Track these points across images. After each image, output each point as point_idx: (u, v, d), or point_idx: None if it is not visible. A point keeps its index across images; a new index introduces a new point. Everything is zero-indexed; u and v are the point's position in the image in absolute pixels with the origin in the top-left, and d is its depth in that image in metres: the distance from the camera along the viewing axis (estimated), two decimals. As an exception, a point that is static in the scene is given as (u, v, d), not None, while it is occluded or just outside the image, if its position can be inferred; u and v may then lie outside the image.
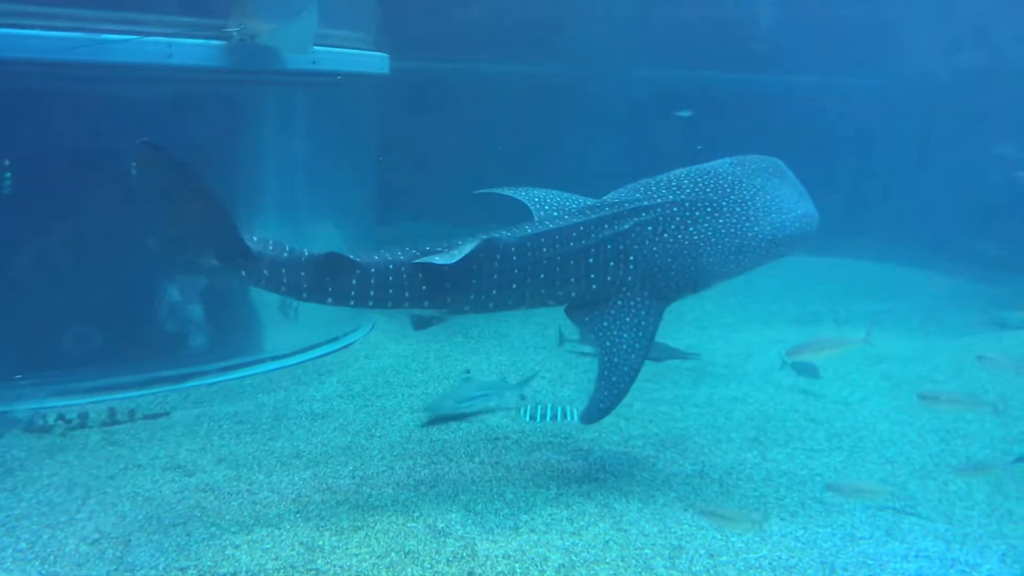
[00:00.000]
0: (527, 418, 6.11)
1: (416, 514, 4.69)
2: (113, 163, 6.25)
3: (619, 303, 4.92)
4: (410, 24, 11.01)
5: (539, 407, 6.19)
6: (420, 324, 5.25)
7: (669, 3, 12.99)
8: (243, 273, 4.47)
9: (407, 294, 4.68)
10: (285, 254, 4.53)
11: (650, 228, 4.95)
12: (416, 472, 5.28)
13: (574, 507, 4.81)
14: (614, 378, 4.78)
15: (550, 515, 4.71)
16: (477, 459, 5.50)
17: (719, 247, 4.92)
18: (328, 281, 4.57)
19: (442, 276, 4.68)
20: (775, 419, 6.32)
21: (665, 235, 4.95)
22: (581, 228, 4.90)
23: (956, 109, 12.21)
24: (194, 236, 4.39)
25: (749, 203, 5.05)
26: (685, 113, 11.22)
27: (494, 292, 4.81)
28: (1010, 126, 11.87)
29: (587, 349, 7.52)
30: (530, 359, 7.71)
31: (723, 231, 4.95)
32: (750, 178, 5.17)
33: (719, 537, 4.48)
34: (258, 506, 4.78)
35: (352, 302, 4.63)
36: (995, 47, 11.87)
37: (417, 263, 4.64)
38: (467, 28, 12.48)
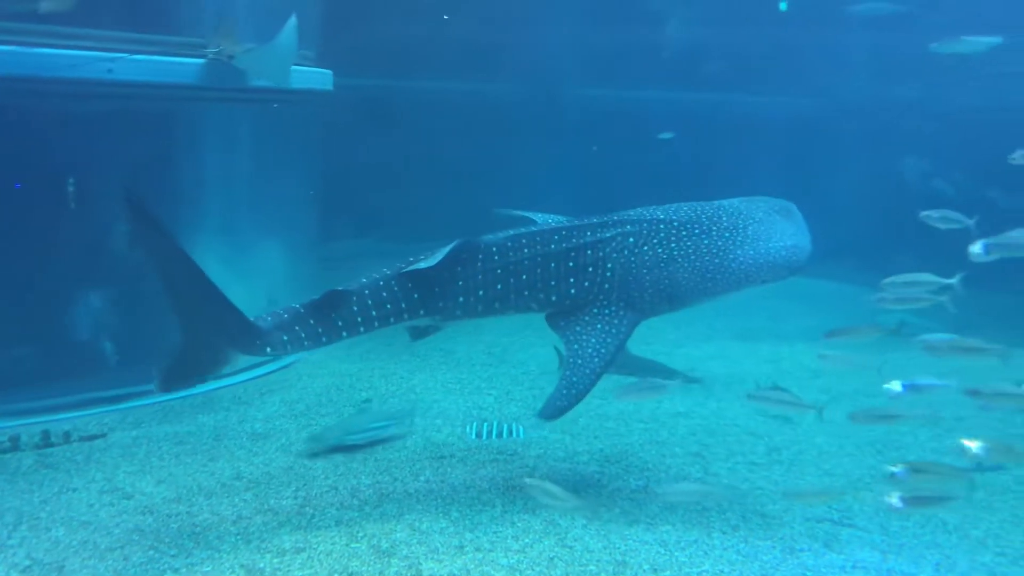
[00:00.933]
0: (473, 436, 6.10)
1: (360, 534, 4.65)
2: (53, 179, 6.14)
3: (594, 310, 5.02)
4: (357, 41, 11.01)
5: (485, 424, 6.19)
6: (416, 335, 5.38)
7: (610, 26, 13.20)
8: (268, 350, 4.64)
9: (403, 305, 4.86)
10: (285, 315, 4.70)
11: (631, 239, 5.05)
12: (360, 492, 5.23)
13: (519, 524, 4.81)
14: (575, 379, 4.83)
15: (495, 533, 4.70)
16: (422, 478, 5.48)
17: (697, 265, 4.96)
18: (335, 317, 4.73)
19: (431, 282, 4.86)
20: (717, 434, 6.41)
21: (645, 247, 5.03)
22: (563, 232, 5.03)
23: (876, 129, 12.56)
24: (205, 345, 4.52)
25: (738, 230, 5.07)
26: (667, 135, 11.42)
27: (480, 293, 4.94)
28: (926, 143, 12.21)
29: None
30: (476, 376, 7.71)
31: (703, 250, 4.98)
32: (749, 210, 5.21)
33: (663, 552, 4.53)
34: (198, 528, 4.70)
35: (361, 328, 4.79)
36: (915, 73, 12.29)
37: (404, 273, 4.82)
38: (412, 46, 12.51)
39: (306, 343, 4.70)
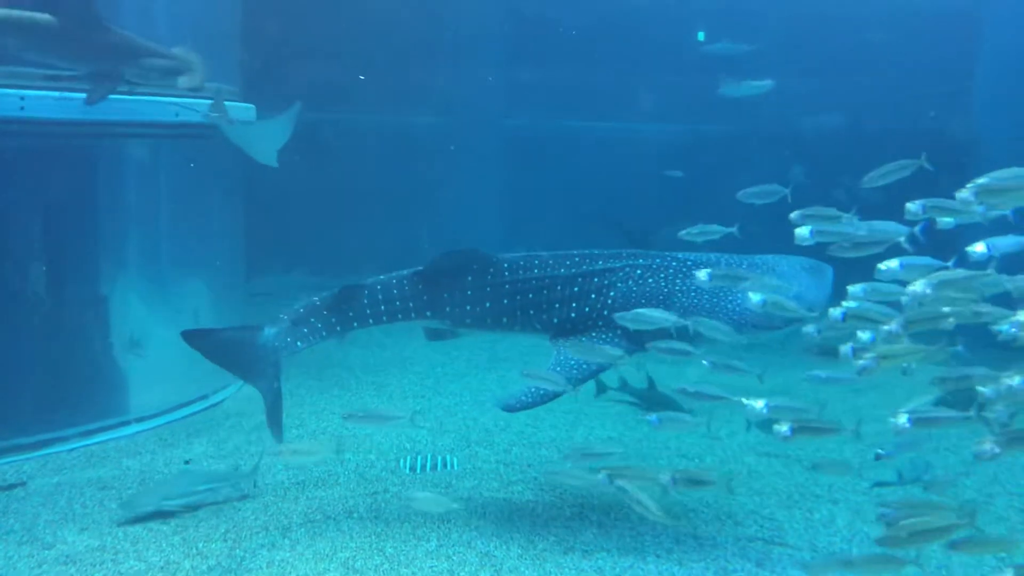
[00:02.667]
0: (407, 469, 6.08)
1: (292, 575, 4.56)
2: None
3: (592, 334, 5.17)
4: (281, 74, 10.94)
5: (419, 457, 6.18)
6: (432, 336, 5.63)
7: (536, 61, 13.46)
8: (300, 344, 5.29)
9: (411, 304, 5.27)
10: (301, 309, 5.31)
11: (639, 272, 5.19)
12: (292, 532, 5.14)
13: (455, 558, 4.78)
14: (547, 384, 4.90)
15: (431, 568, 4.66)
16: (355, 514, 5.40)
17: (696, 302, 5.01)
18: (346, 308, 5.26)
19: (440, 287, 5.25)
20: (649, 457, 6.47)
21: (650, 280, 5.15)
22: (576, 258, 5.23)
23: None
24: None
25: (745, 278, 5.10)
26: (676, 174, 11.61)
27: (488, 306, 5.20)
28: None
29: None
30: (409, 408, 7.63)
31: (704, 289, 5.00)
32: (771, 264, 5.20)
33: (599, 578, 4.55)
34: (123, 577, 4.56)
35: (371, 320, 5.29)
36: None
37: (415, 273, 5.27)
38: (338, 79, 12.52)
39: (324, 334, 5.28)
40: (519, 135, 13.81)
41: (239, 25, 8.40)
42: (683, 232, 5.06)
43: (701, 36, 13.30)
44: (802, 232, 4.37)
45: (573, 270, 5.21)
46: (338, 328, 5.30)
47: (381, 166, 12.47)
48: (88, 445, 6.57)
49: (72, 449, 6.48)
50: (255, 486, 5.75)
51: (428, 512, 5.18)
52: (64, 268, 6.57)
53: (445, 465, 6.03)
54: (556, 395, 4.91)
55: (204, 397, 7.61)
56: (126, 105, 6.62)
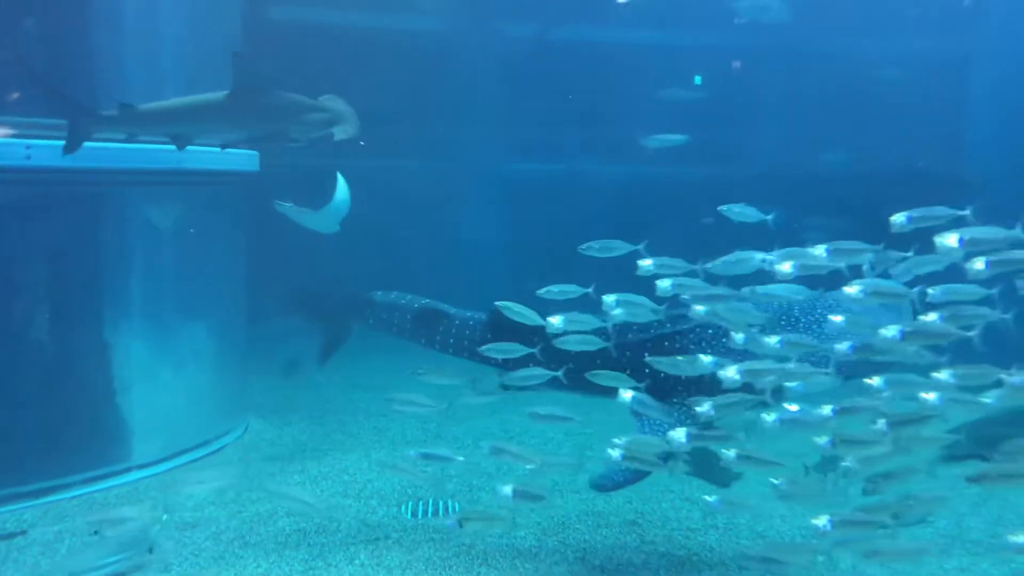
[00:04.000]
0: (409, 515, 6.05)
1: (294, 624, 4.53)
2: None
3: (674, 399, 5.20)
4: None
5: (420, 503, 6.15)
6: (506, 386, 5.61)
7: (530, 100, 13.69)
8: (371, 322, 6.07)
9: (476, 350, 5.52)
10: (394, 296, 6.04)
11: (710, 331, 5.22)
12: (294, 579, 5.11)
13: (457, 605, 4.75)
14: (636, 464, 4.79)
15: (433, 615, 4.63)
16: (357, 561, 5.37)
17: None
18: (424, 325, 5.74)
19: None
20: (651, 500, 6.44)
21: (724, 339, 5.12)
22: (644, 325, 5.20)
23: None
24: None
25: (820, 323, 5.08)
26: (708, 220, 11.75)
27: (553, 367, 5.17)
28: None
29: None
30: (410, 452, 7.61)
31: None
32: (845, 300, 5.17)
33: (602, 625, 4.51)
34: (124, 627, 4.52)
35: (438, 347, 5.73)
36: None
37: (489, 322, 5.60)
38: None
39: (394, 330, 5.88)
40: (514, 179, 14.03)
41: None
42: (583, 247, 5.00)
43: (698, 80, 13.51)
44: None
45: (642, 335, 5.20)
46: (406, 336, 5.87)
47: (383, 210, 12.58)
48: (90, 492, 6.55)
49: (74, 496, 6.46)
50: (151, 551, 5.04)
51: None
52: (68, 315, 6.60)
53: (447, 511, 6.00)
54: (646, 474, 4.79)
55: (206, 443, 7.60)
56: (129, 153, 6.69)
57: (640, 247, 4.82)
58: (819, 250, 4.33)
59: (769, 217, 4.83)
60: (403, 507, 6.19)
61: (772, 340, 4.45)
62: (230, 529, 5.92)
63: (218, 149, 7.16)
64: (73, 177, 6.48)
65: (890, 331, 4.10)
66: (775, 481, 4.18)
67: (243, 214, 8.36)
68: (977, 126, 10.62)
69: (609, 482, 4.91)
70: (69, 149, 6.18)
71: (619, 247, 4.87)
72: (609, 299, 4.76)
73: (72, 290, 6.68)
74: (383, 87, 11.90)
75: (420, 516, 6.05)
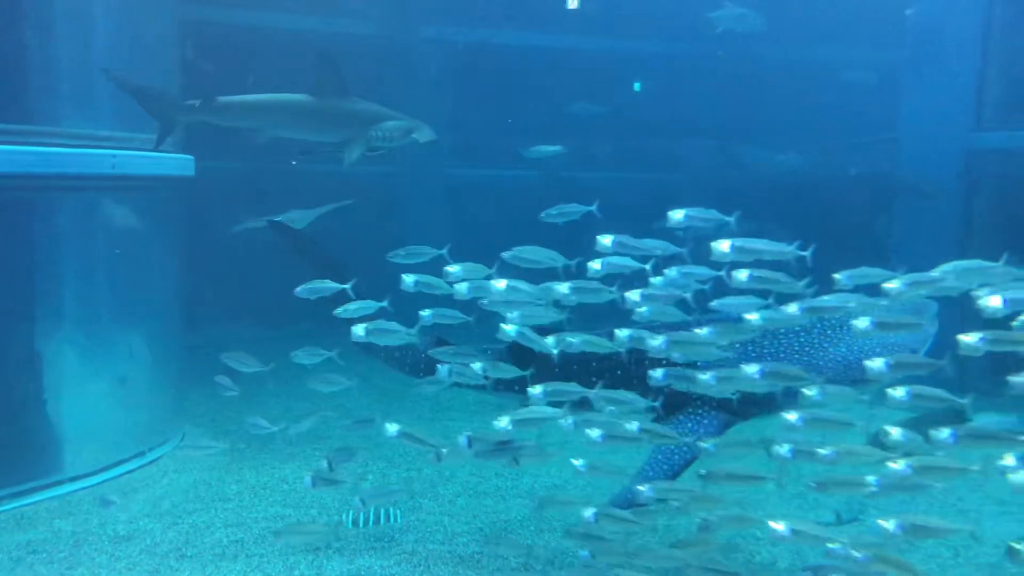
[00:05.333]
0: (350, 524, 5.98)
1: (231, 637, 4.46)
2: None
3: (688, 410, 5.18)
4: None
5: (362, 512, 6.08)
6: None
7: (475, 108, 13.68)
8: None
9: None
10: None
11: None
12: (231, 591, 5.03)
13: (398, 614, 4.72)
14: (651, 472, 4.90)
15: (373, 625, 4.59)
16: (296, 572, 5.31)
17: (808, 359, 4.98)
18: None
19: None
20: (595, 504, 6.46)
21: (748, 347, 5.13)
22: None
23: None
24: None
25: (839, 328, 5.09)
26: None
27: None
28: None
29: None
30: (352, 462, 7.54)
31: (795, 350, 5.02)
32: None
33: (543, 631, 4.52)
34: (53, 646, 4.40)
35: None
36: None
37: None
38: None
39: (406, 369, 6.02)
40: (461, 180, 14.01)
41: (178, 74, 8.35)
42: (390, 255, 5.18)
43: (637, 86, 13.66)
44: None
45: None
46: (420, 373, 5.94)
47: (330, 215, 12.47)
48: (19, 507, 6.36)
49: (2, 511, 6.27)
50: None
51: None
52: (-2, 325, 6.43)
53: (388, 519, 5.95)
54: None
55: (141, 454, 7.44)
56: (61, 157, 6.53)
57: (444, 251, 5.05)
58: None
59: (585, 208, 5.08)
60: (344, 515, 6.12)
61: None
62: (166, 541, 5.80)
63: (153, 154, 7.06)
64: (3, 182, 6.30)
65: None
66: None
67: (181, 219, 8.22)
68: (912, 132, 10.90)
69: (623, 501, 4.88)
70: (160, 141, 6.32)
71: (426, 252, 5.12)
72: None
73: (2, 300, 6.49)
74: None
75: (362, 525, 5.99)
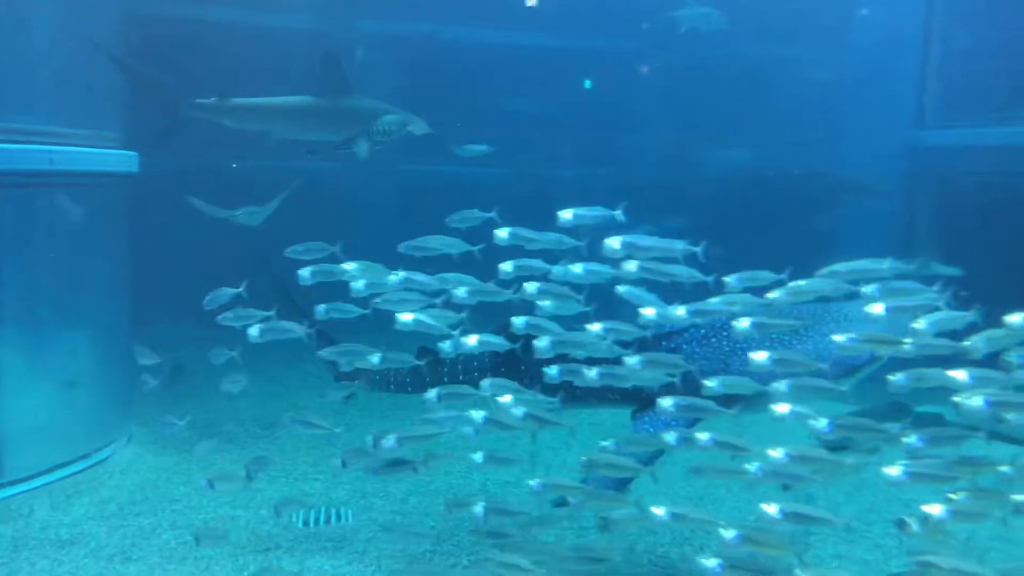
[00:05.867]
0: (300, 524, 5.93)
1: (179, 641, 4.40)
2: None
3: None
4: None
5: (312, 511, 6.03)
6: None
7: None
8: None
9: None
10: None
11: (703, 331, 5.21)
12: (179, 594, 4.96)
13: (349, 614, 4.70)
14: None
15: (324, 625, 4.57)
16: (246, 573, 5.26)
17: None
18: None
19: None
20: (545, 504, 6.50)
21: (713, 339, 5.18)
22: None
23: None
24: None
25: (817, 326, 5.08)
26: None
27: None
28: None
29: None
30: (301, 460, 7.50)
31: (766, 344, 4.95)
32: (841, 311, 5.16)
33: (495, 628, 4.52)
34: (-6, 654, 4.30)
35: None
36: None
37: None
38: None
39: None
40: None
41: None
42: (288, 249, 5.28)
43: (588, 84, 13.72)
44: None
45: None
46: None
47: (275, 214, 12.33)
48: (-43, 512, 6.21)
49: (-62, 517, 6.11)
50: None
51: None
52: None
53: (340, 518, 5.90)
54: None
55: (86, 456, 7.29)
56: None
57: (336, 249, 5.13)
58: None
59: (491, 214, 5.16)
60: (294, 515, 6.06)
61: None
62: (111, 544, 5.70)
63: (94, 150, 6.92)
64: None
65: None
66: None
67: (124, 216, 8.06)
68: (856, 130, 11.12)
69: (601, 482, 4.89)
70: (167, 134, 6.26)
71: (321, 249, 5.18)
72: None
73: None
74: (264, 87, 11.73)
75: (312, 524, 5.94)
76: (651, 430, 5.06)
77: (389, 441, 4.78)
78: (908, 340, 4.19)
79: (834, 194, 11.16)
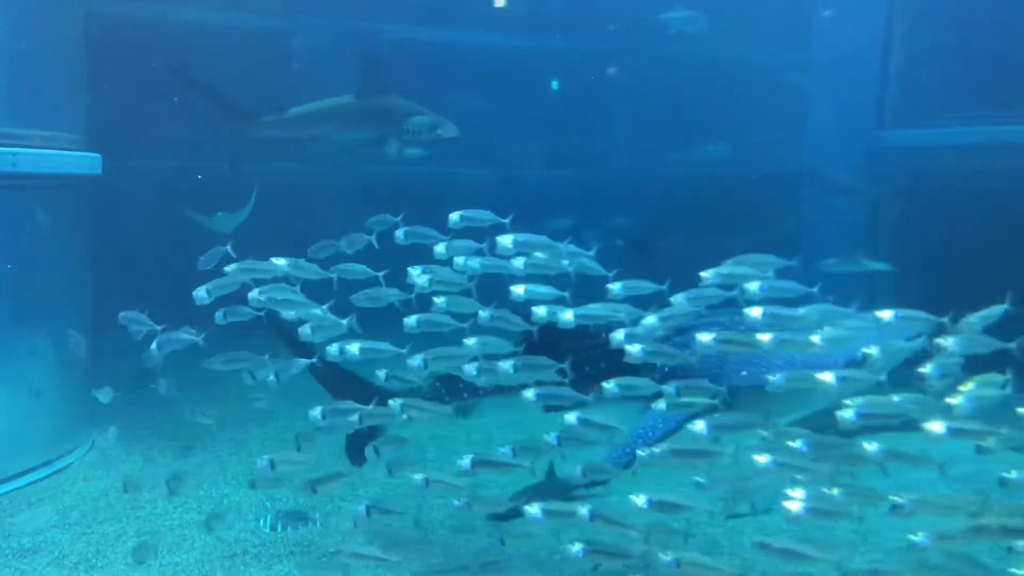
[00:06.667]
0: (268, 529, 5.90)
1: (145, 650, 4.35)
2: None
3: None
4: (134, 123, 10.57)
5: (279, 516, 6.01)
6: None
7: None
8: None
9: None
10: None
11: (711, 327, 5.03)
12: (144, 602, 4.90)
13: (318, 619, 4.67)
14: (613, 455, 4.95)
15: (293, 631, 4.54)
16: (213, 579, 5.21)
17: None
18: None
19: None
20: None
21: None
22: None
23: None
24: None
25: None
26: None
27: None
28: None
29: None
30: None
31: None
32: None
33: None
34: (-47, 666, 4.22)
35: None
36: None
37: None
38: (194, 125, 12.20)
39: None
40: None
41: (84, 71, 8.07)
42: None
43: (555, 85, 13.76)
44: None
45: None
46: None
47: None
48: (-86, 522, 6.09)
49: None
50: None
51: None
52: None
53: (307, 523, 5.89)
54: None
55: (48, 463, 7.17)
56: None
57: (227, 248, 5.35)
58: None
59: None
60: (261, 521, 6.04)
61: None
62: (74, 553, 5.62)
63: (56, 152, 6.82)
64: None
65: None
66: None
67: (86, 219, 7.95)
68: (818, 130, 11.24)
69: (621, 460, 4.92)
70: (239, 160, 6.25)
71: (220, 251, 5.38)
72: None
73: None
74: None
75: (280, 529, 5.91)
76: (660, 427, 5.10)
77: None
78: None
79: (798, 192, 11.27)
